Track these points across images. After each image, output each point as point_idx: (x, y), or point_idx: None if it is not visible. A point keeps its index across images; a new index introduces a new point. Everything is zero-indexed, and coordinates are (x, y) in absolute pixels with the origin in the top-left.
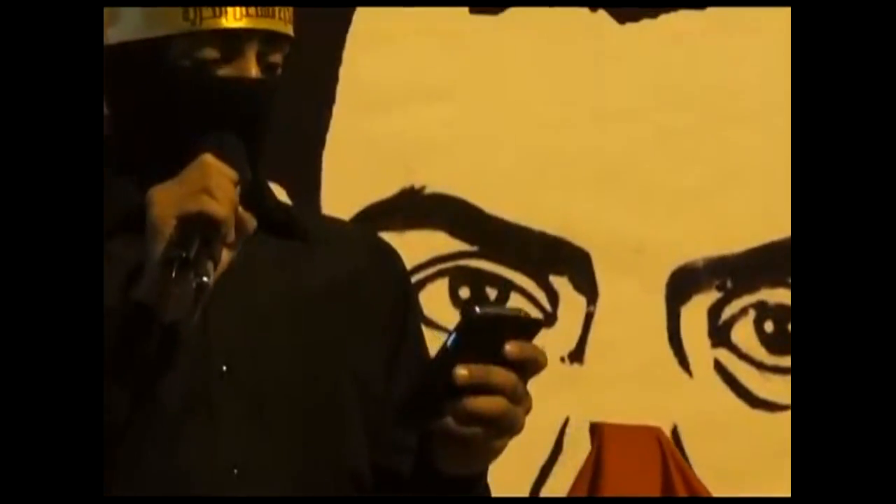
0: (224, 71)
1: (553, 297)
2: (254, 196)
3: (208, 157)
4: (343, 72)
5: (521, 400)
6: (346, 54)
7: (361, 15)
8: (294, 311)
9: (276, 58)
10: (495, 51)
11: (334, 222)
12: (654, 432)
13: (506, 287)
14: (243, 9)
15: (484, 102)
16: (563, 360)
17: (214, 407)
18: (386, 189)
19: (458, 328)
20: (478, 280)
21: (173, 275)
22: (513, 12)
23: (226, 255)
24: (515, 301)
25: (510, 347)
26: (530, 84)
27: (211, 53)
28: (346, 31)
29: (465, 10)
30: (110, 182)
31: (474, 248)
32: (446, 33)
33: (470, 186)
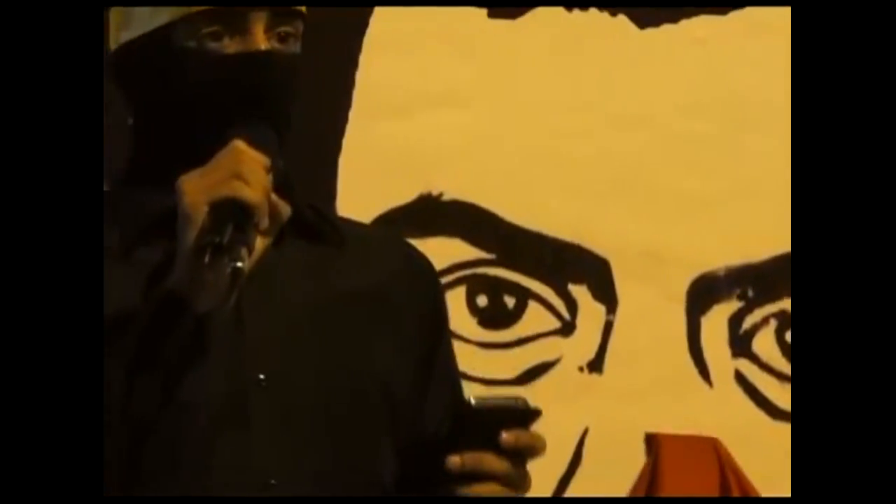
0: (230, 47)
1: (572, 305)
2: (286, 192)
3: (239, 143)
4: (359, 77)
5: (517, 485)
6: (363, 59)
7: (378, 20)
8: (326, 317)
9: (287, 28)
10: (513, 56)
11: (363, 227)
12: (712, 442)
13: (524, 295)
14: None
15: (502, 108)
16: (581, 369)
17: (252, 417)
18: (403, 196)
19: (454, 417)
20: (496, 288)
21: (206, 261)
22: (531, 17)
23: (260, 243)
24: (533, 310)
25: (506, 437)
26: (549, 90)
27: (214, 30)
28: (362, 36)
29: (483, 13)
30: (139, 189)
31: (492, 256)
32: (463, 38)
33: (488, 193)
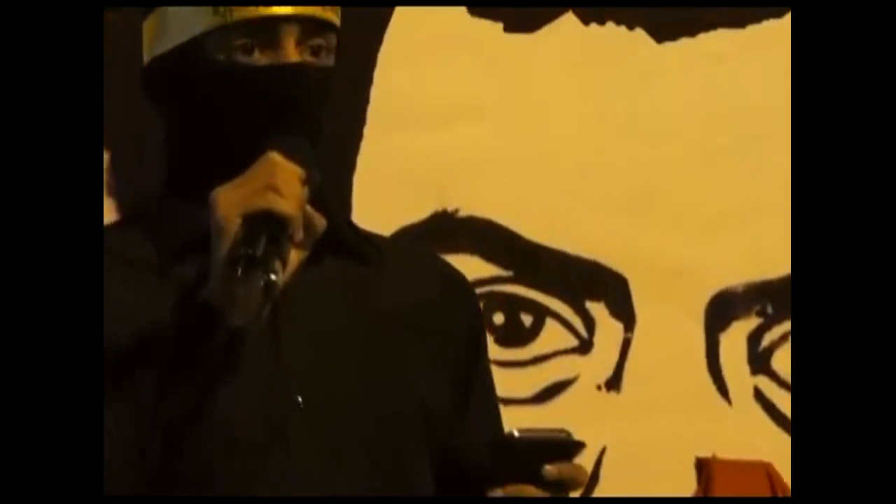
0: (262, 60)
1: (590, 323)
2: (322, 205)
3: (273, 155)
4: (374, 90)
5: None
6: (378, 72)
7: (393, 32)
8: (363, 337)
9: (320, 41)
10: (530, 69)
11: (400, 243)
12: (765, 467)
13: (541, 313)
14: None
15: (518, 122)
16: (599, 388)
17: (289, 439)
18: (418, 212)
19: (496, 449)
20: (512, 305)
21: (240, 274)
22: (548, 30)
23: (295, 256)
24: (550, 328)
25: (550, 470)
26: (566, 104)
27: (245, 43)
28: (377, 48)
29: (500, 27)
30: (176, 204)
31: (509, 273)
32: (480, 51)
33: (504, 209)
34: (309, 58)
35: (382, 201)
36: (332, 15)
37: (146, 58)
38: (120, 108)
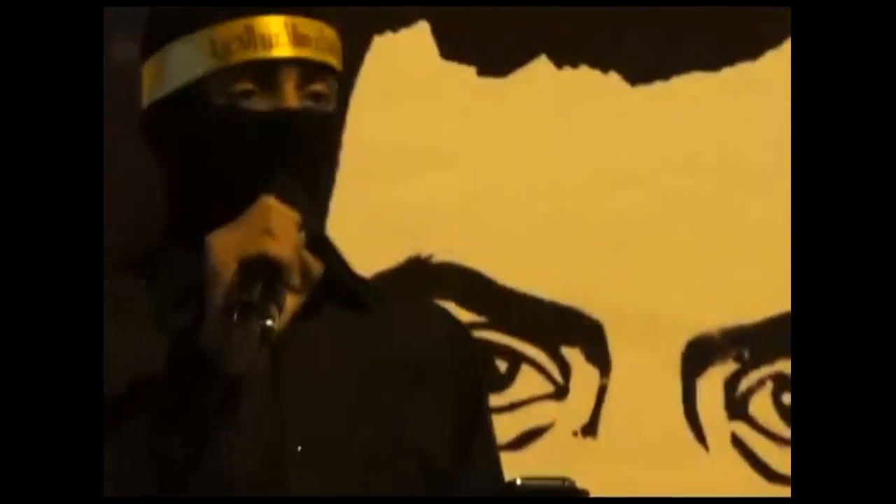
0: (261, 104)
1: (565, 368)
2: (319, 251)
3: (268, 199)
4: (346, 137)
5: None
6: (350, 119)
7: (364, 78)
8: (363, 386)
9: (320, 87)
10: (503, 114)
11: (398, 290)
12: None
13: (516, 359)
14: (273, 37)
15: (491, 167)
16: (575, 434)
17: (290, 489)
18: (392, 258)
19: (498, 498)
20: (487, 352)
21: (235, 320)
22: (521, 74)
23: (292, 302)
24: (526, 374)
25: None
26: (540, 148)
27: (244, 86)
28: (349, 94)
29: (473, 71)
30: (173, 251)
31: (483, 319)
32: (452, 96)
33: (478, 255)
34: (309, 103)
35: (356, 247)
36: (332, 59)
37: (145, 101)
38: (116, 152)
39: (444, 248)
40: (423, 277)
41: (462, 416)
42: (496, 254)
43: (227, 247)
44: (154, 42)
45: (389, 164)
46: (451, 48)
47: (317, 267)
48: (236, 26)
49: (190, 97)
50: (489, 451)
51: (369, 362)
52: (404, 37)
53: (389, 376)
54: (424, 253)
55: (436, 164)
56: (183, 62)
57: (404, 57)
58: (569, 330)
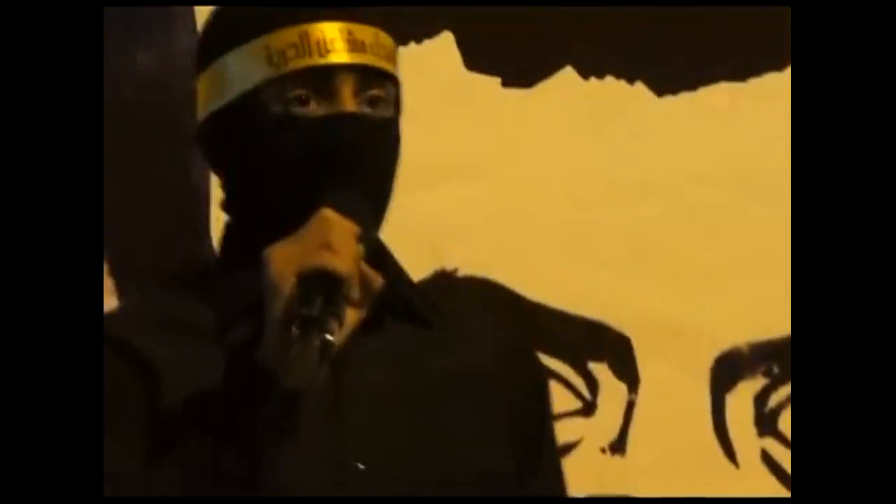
0: (318, 111)
1: (593, 384)
2: (382, 264)
3: (327, 212)
4: None
5: None
6: None
7: None
8: (424, 403)
9: (378, 92)
10: (528, 125)
11: (460, 304)
12: None
13: None
14: (329, 43)
15: (517, 180)
16: (604, 450)
17: None
18: (417, 272)
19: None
20: None
21: (294, 334)
22: (546, 85)
23: (353, 316)
24: (553, 390)
25: None
26: (566, 160)
27: (300, 93)
28: None
29: (497, 82)
30: (232, 266)
31: None
32: (477, 107)
33: (504, 269)
34: (366, 108)
35: None
36: (388, 64)
37: (201, 114)
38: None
39: (470, 262)
40: (448, 291)
41: (525, 432)
42: (522, 268)
43: (285, 260)
44: (208, 54)
45: (414, 176)
46: (476, 58)
47: (377, 280)
48: (291, 34)
49: (246, 106)
50: (553, 467)
51: (430, 378)
52: (429, 47)
53: (451, 393)
54: (449, 266)
55: (460, 177)
56: (239, 72)
57: (429, 68)
58: (596, 345)
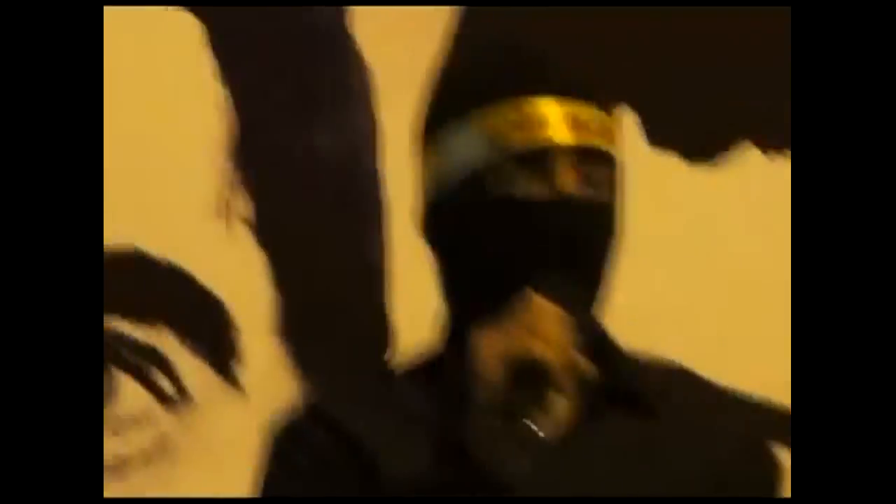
0: (537, 191)
1: None
2: (598, 350)
3: (537, 298)
4: None
5: None
6: None
7: None
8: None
9: (599, 174)
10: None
11: (687, 396)
12: None
13: None
14: (551, 124)
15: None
16: None
17: None
18: None
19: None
20: None
21: (500, 424)
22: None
23: (563, 406)
24: None
25: None
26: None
27: (520, 173)
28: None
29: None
30: (446, 355)
31: None
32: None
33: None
34: (588, 190)
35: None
36: (612, 147)
37: (427, 197)
38: None
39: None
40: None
41: None
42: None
43: (492, 346)
44: (431, 123)
45: None
46: (655, 134)
47: (589, 369)
48: (511, 111)
49: (466, 189)
50: None
51: (652, 475)
52: None
53: (673, 489)
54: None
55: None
56: (461, 154)
57: None
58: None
